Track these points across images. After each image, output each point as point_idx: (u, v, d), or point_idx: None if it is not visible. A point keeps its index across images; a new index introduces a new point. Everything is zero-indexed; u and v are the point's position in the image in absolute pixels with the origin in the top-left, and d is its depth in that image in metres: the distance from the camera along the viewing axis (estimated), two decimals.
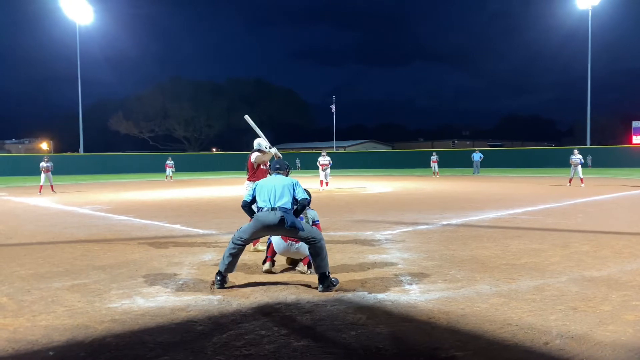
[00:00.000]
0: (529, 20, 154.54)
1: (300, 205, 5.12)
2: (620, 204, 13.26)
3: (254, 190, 5.25)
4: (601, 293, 4.68)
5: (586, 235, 7.93)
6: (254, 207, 5.25)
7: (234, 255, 5.00)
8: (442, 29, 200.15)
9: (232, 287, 5.01)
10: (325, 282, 4.85)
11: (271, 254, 5.70)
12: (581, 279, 5.19)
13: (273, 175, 5.37)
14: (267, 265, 5.69)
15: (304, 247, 5.31)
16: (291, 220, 4.85)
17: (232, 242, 5.02)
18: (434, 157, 30.40)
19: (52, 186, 19.75)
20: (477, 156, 32.29)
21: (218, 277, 5.01)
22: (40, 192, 19.10)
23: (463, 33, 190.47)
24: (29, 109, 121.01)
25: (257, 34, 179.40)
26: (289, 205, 5.02)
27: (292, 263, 5.98)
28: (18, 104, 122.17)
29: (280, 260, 6.12)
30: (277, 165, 5.47)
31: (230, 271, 5.06)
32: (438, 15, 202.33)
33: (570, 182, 19.88)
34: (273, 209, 4.95)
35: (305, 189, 5.29)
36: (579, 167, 19.68)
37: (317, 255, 4.92)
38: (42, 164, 19.55)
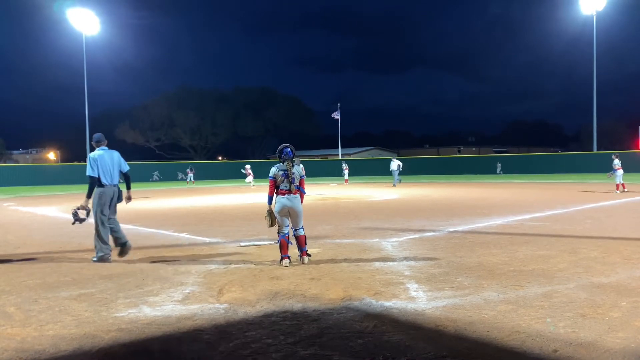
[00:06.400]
0: (532, 26, 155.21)
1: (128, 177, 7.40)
2: (629, 209, 13.16)
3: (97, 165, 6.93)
4: (610, 299, 4.64)
5: (594, 241, 7.86)
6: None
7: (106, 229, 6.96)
8: (442, 35, 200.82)
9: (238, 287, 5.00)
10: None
11: (287, 251, 6.46)
12: (590, 286, 5.15)
13: (105, 151, 7.05)
14: (285, 262, 6.37)
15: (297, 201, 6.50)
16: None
17: (101, 223, 6.90)
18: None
19: None
20: (394, 165, 28.45)
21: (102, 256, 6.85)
22: None
23: (464, 38, 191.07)
24: (36, 120, 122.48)
25: (259, 42, 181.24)
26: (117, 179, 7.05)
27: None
28: (25, 115, 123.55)
29: (285, 269, 6.14)
30: (99, 139, 7.10)
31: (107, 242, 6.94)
32: (437, 21, 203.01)
33: (618, 187, 19.11)
34: (113, 185, 6.98)
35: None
36: (619, 172, 19.05)
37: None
38: None
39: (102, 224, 6.98)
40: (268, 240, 8.53)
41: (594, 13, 43.74)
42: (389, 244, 7.96)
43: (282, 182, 6.42)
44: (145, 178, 43.96)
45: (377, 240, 8.42)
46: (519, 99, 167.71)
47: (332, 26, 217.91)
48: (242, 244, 8.27)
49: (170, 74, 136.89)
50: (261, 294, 5.06)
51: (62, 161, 74.96)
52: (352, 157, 66.96)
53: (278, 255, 6.59)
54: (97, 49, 54.84)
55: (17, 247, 8.54)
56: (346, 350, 3.53)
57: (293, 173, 6.43)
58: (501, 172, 44.47)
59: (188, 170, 38.75)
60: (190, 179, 37.48)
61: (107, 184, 6.98)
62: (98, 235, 6.96)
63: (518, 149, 76.11)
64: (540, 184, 26.28)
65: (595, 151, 44.58)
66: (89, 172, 6.95)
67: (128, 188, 7.37)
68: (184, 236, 9.45)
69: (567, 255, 6.74)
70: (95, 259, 6.97)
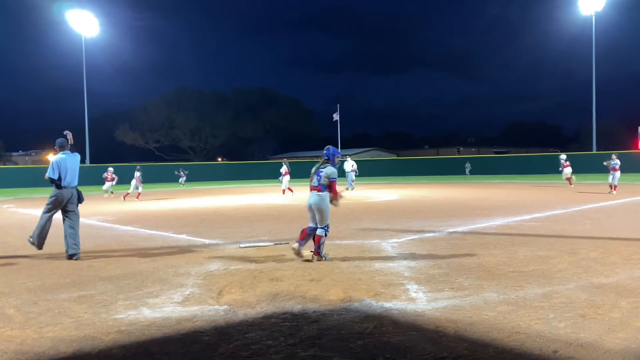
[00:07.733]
0: (531, 26, 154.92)
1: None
2: (628, 209, 13.16)
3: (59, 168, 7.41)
4: (610, 300, 4.64)
5: (594, 242, 7.87)
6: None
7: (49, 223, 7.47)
8: (441, 35, 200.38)
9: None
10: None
11: (302, 238, 6.69)
12: (590, 286, 5.15)
13: (68, 155, 7.55)
14: (295, 245, 6.64)
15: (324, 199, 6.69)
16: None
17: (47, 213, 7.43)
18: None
19: (127, 194, 21.35)
20: (348, 166, 24.89)
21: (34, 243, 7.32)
22: (124, 198, 20.84)
23: (464, 39, 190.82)
24: (35, 121, 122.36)
25: (258, 43, 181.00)
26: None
27: (298, 254, 6.70)
28: (25, 116, 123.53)
29: (285, 270, 6.14)
30: (62, 144, 7.65)
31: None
32: (437, 22, 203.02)
33: (614, 188, 18.77)
34: (72, 187, 7.47)
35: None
36: (617, 173, 18.83)
37: None
38: (137, 174, 21.43)
39: (48, 218, 7.64)
40: (268, 241, 8.53)
41: (593, 14, 43.78)
42: (389, 245, 7.96)
43: (312, 179, 6.85)
44: (174, 178, 41.18)
45: (377, 241, 8.42)
46: (519, 99, 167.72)
47: (331, 27, 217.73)
48: (241, 245, 8.27)
49: (170, 75, 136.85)
50: (261, 295, 5.06)
51: None
52: (352, 158, 66.93)
53: (278, 257, 6.61)
54: (97, 51, 54.72)
55: (16, 248, 8.54)
56: (346, 352, 3.52)
57: (320, 171, 6.80)
58: (469, 173, 43.92)
59: (179, 172, 35.84)
60: (182, 181, 35.93)
61: (67, 186, 7.54)
62: (40, 228, 7.56)
63: (517, 150, 76.19)
64: (539, 185, 26.29)
65: (594, 152, 44.58)
66: (49, 174, 7.49)
67: None
68: (184, 237, 9.45)
69: (566, 256, 6.75)
70: (31, 240, 7.59)
